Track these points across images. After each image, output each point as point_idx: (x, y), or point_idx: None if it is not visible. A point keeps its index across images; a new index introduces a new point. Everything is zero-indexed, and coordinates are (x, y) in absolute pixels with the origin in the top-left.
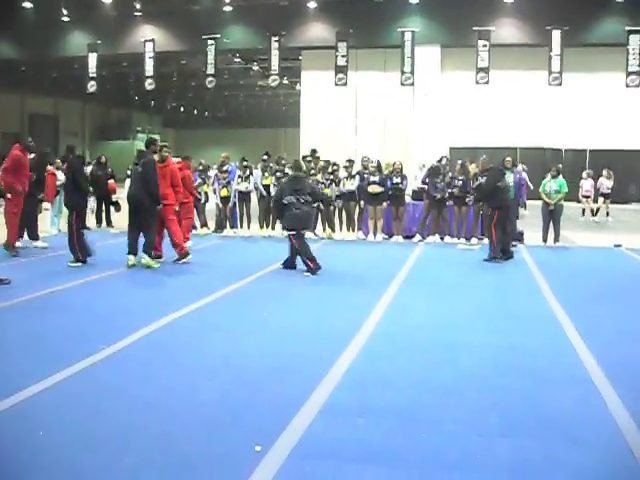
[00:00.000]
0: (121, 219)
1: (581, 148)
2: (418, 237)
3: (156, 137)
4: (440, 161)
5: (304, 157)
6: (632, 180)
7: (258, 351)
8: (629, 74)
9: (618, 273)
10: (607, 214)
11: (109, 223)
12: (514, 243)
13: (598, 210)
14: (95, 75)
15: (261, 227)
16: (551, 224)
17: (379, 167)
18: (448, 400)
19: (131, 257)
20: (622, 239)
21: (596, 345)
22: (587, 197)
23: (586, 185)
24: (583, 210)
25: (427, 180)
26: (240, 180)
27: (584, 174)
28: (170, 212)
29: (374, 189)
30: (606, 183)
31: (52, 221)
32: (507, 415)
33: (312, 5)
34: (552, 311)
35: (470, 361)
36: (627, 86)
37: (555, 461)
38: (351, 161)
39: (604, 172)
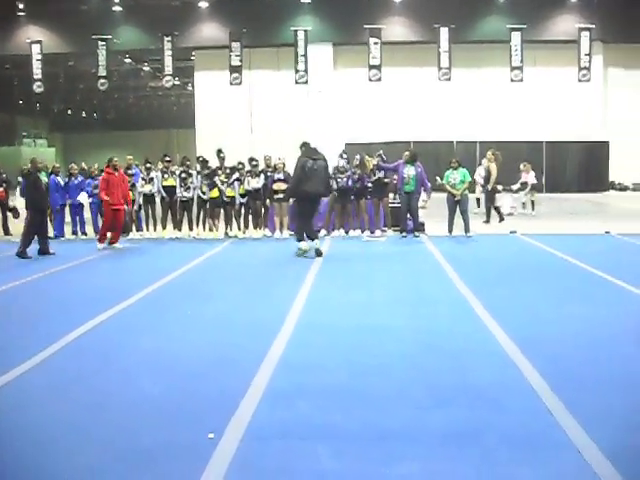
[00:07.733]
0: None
1: (471, 140)
2: (323, 232)
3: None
4: (341, 157)
5: (198, 158)
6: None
7: (190, 345)
8: (513, 69)
9: (516, 256)
10: (532, 204)
11: (7, 231)
12: (416, 234)
13: (525, 203)
14: None
15: (163, 228)
16: (459, 216)
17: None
18: (377, 379)
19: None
20: (515, 225)
21: (505, 322)
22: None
23: (524, 177)
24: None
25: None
26: (144, 183)
27: (521, 166)
28: None
29: (279, 186)
30: (525, 176)
31: None
32: (434, 389)
33: (204, 5)
34: (461, 294)
35: (392, 343)
36: (512, 80)
37: (484, 426)
38: (254, 159)
39: (521, 166)
